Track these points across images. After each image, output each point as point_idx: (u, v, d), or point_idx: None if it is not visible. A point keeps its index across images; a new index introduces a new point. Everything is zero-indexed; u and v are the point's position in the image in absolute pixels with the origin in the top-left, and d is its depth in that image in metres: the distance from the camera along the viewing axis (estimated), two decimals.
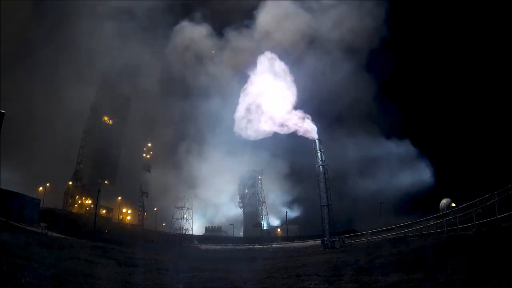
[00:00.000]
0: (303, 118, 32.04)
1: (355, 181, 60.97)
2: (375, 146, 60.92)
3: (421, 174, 59.47)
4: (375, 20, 55.14)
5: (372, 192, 56.75)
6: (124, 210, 51.62)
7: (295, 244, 37.89)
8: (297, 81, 34.20)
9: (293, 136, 33.86)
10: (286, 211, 64.13)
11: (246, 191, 70.90)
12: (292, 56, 49.35)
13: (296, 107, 32.78)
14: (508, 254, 8.53)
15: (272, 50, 38.40)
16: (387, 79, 65.08)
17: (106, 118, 54.15)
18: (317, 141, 31.89)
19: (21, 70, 50.20)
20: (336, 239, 29.85)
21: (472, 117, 49.91)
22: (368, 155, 60.76)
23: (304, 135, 32.56)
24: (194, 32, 53.16)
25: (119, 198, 50.28)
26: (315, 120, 33.02)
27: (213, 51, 54.64)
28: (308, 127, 31.99)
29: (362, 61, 60.63)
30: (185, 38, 52.78)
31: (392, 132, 62.06)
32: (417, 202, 48.96)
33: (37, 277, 7.93)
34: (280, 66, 34.31)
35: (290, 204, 68.12)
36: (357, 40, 55.69)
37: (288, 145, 49.20)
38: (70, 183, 50.49)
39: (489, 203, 15.08)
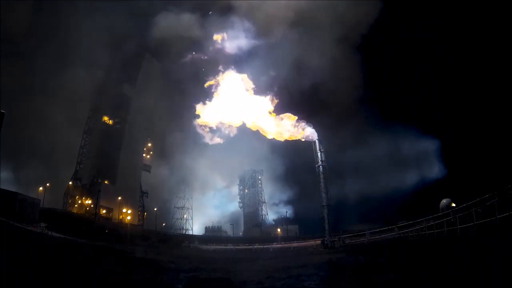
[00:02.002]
0: (304, 127, 31.97)
1: (355, 180, 61.07)
2: (374, 145, 60.99)
3: (422, 174, 59.58)
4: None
5: (372, 191, 56.86)
6: (124, 210, 51.54)
7: (295, 244, 37.87)
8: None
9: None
10: (286, 211, 64.36)
11: (246, 191, 71.05)
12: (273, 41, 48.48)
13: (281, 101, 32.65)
14: (508, 254, 8.53)
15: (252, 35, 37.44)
16: (379, 74, 63.84)
17: (106, 118, 54.06)
18: (317, 141, 31.91)
19: (21, 70, 50.33)
20: (336, 239, 29.85)
21: (472, 117, 49.89)
22: (368, 154, 60.87)
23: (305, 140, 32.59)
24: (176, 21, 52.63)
25: (119, 198, 50.19)
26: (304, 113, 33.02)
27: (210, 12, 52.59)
28: (309, 134, 32.05)
29: (354, 46, 58.56)
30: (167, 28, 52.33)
31: (392, 130, 61.84)
32: (417, 202, 48.97)
33: None
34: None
35: (287, 203, 68.47)
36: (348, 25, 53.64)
37: (287, 144, 49.03)
38: (70, 183, 50.39)
39: (489, 203, 15.06)
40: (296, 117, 32.07)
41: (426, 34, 54.87)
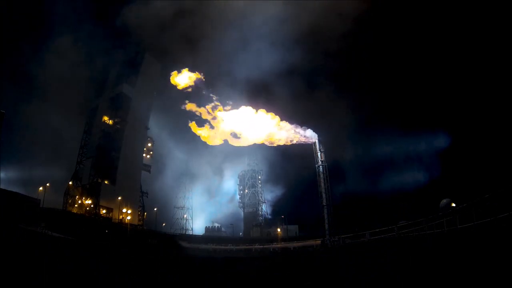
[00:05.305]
0: (304, 131, 32.00)
1: (355, 179, 61.10)
2: (374, 144, 60.97)
3: (422, 174, 59.59)
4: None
5: (372, 191, 56.87)
6: (124, 210, 51.48)
7: (295, 244, 37.87)
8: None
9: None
10: (286, 213, 64.27)
11: (246, 191, 71.04)
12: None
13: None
14: (509, 253, 8.53)
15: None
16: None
17: (106, 118, 54.04)
18: (317, 141, 31.95)
19: (21, 69, 50.51)
20: (336, 239, 29.85)
21: (472, 116, 49.85)
22: (368, 153, 60.88)
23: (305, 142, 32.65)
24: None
25: (119, 198, 50.15)
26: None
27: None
28: (308, 135, 32.09)
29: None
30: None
31: (392, 128, 61.75)
32: (417, 202, 48.95)
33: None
34: None
35: (286, 203, 68.56)
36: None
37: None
38: (70, 183, 50.38)
39: (489, 203, 15.07)
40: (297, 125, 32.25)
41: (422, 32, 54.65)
